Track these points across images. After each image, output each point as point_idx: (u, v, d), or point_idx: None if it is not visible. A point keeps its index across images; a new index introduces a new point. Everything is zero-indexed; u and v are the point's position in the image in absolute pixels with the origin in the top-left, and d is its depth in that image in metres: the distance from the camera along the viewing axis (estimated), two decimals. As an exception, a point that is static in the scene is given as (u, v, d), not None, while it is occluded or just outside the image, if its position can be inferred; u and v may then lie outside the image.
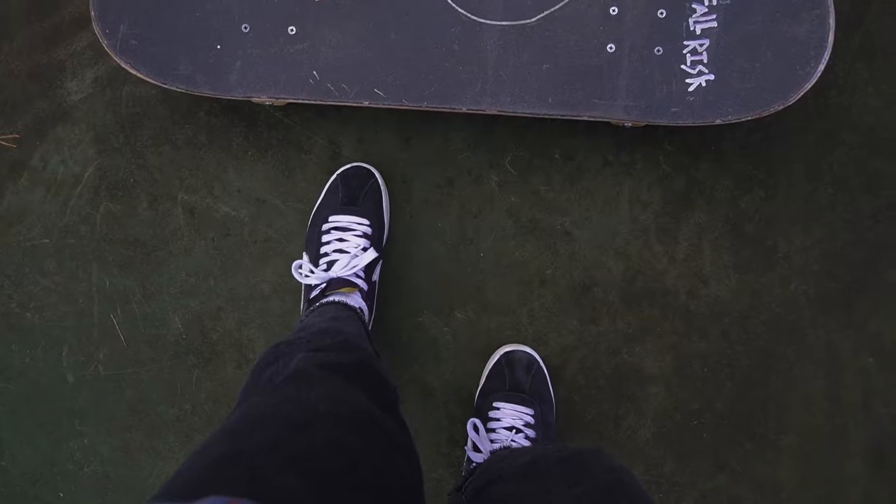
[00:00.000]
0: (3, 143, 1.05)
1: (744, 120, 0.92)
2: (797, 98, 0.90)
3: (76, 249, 1.06)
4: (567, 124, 1.04)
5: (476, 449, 0.94)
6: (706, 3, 0.91)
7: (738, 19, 0.91)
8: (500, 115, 1.04)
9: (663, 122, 0.93)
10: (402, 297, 1.05)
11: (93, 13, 0.93)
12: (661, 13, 0.92)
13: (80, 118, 1.05)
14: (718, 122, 0.93)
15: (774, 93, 0.91)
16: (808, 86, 0.90)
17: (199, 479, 0.50)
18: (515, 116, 1.04)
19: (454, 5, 0.93)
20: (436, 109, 0.94)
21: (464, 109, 0.94)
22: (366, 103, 0.94)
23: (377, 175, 1.02)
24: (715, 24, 0.91)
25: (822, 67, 0.89)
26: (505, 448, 0.92)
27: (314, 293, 0.94)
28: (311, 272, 0.94)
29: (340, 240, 0.96)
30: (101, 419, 1.07)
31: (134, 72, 0.94)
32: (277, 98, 0.95)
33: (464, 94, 0.94)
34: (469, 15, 0.93)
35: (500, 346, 1.03)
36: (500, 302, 1.04)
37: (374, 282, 0.99)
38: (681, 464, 1.04)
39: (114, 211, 1.06)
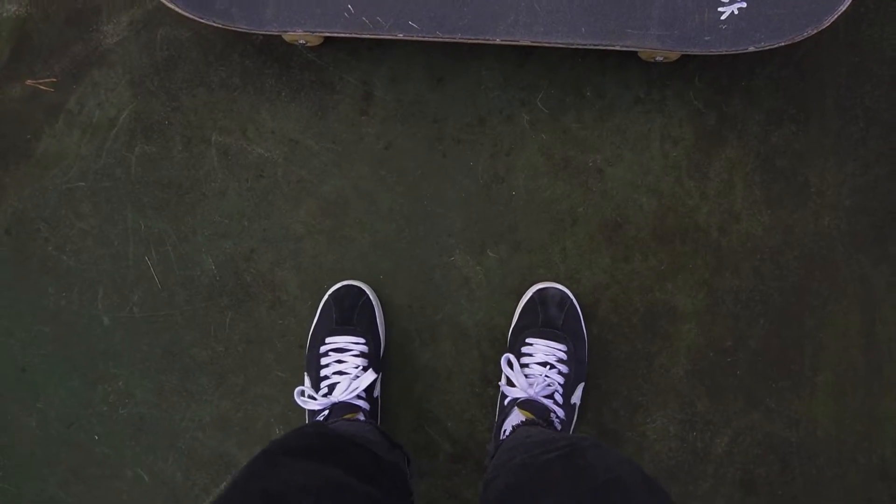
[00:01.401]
0: (41, 86, 1.07)
1: (777, 46, 0.92)
2: (831, 21, 0.91)
3: (111, 192, 1.08)
4: (598, 61, 1.04)
5: (510, 384, 0.95)
6: (738, -68, 0.92)
7: (770, -54, 0.91)
8: (532, 52, 1.04)
9: (696, 50, 0.94)
10: (435, 237, 1.05)
11: (132, -53, 0.94)
12: (693, -58, 0.93)
13: (116, 61, 1.07)
14: (752, 49, 0.93)
15: (807, 18, 0.91)
16: (842, 9, 0.90)
17: None
18: (547, 53, 1.04)
19: (487, -63, 0.94)
20: (470, 41, 0.95)
21: (497, 41, 0.95)
22: (400, 36, 0.95)
23: (368, 291, 1.03)
24: (747, -49, 0.92)
25: (855, -11, 0.90)
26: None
27: (318, 418, 0.94)
28: (313, 398, 0.95)
29: (339, 361, 0.97)
30: (135, 361, 1.08)
31: (172, 6, 0.95)
32: (313, 32, 0.96)
33: (497, 26, 0.95)
34: (502, -53, 0.94)
35: (533, 284, 1.03)
36: (532, 240, 1.05)
37: (376, 398, 1.00)
38: (714, 401, 1.04)
39: (148, 153, 1.07)
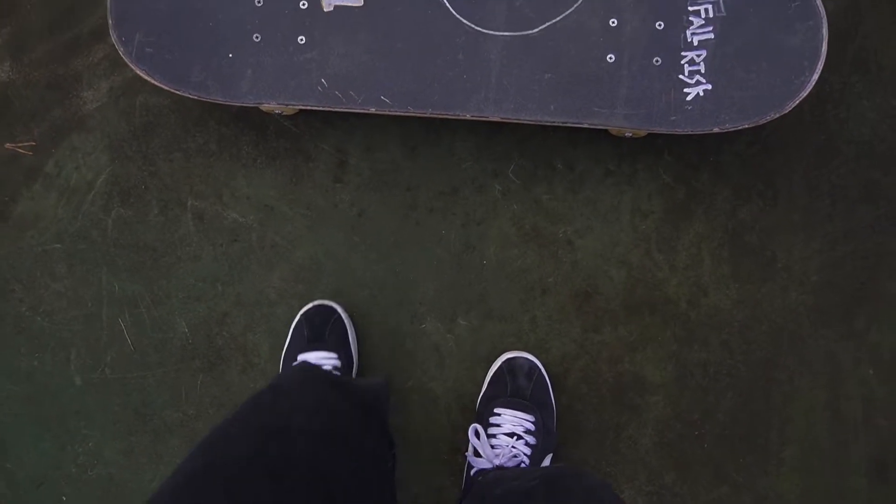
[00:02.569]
0: (20, 149, 1.08)
1: (741, 128, 0.94)
2: (792, 106, 0.92)
3: (87, 254, 1.09)
4: (569, 135, 1.06)
5: (477, 454, 0.95)
6: (703, 15, 0.94)
7: (734, 30, 0.94)
8: (503, 125, 1.06)
9: (662, 130, 0.96)
10: (406, 304, 1.06)
11: (110, 21, 0.96)
12: (660, 25, 0.95)
13: (95, 126, 1.08)
14: (716, 130, 0.95)
15: (770, 102, 0.93)
16: (803, 94, 0.92)
17: (178, 494, 0.54)
18: (518, 126, 1.06)
19: (459, 17, 0.96)
20: (440, 116, 0.97)
21: (468, 116, 0.97)
22: (372, 110, 0.97)
23: (339, 310, 1.04)
24: (712, 35, 0.94)
25: (816, 77, 0.92)
26: (499, 468, 0.93)
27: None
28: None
29: None
30: (106, 422, 1.08)
31: (149, 78, 0.97)
32: (287, 104, 0.97)
33: (468, 102, 0.97)
34: (473, 26, 0.96)
35: (503, 352, 1.04)
36: (502, 309, 1.06)
37: None
38: (682, 474, 1.04)
39: (125, 216, 1.08)
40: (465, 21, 0.96)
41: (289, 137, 1.07)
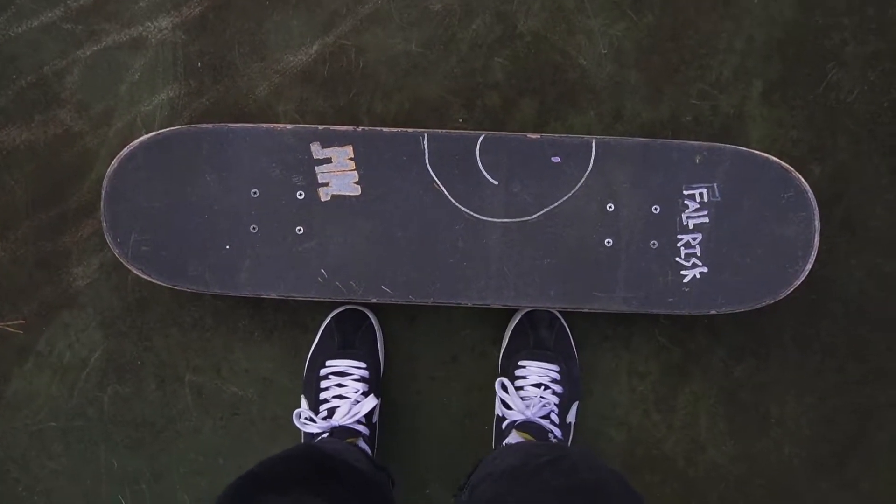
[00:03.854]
0: (9, 328, 1.06)
1: (737, 311, 0.96)
2: (787, 294, 0.95)
3: (84, 432, 1.07)
4: (566, 302, 1.07)
5: (507, 406, 0.96)
6: (698, 200, 0.96)
7: (729, 216, 0.95)
8: (502, 297, 1.07)
9: (661, 311, 0.97)
10: (410, 471, 1.07)
11: (104, 224, 0.95)
12: (656, 209, 0.96)
13: (87, 303, 1.06)
14: (713, 312, 0.97)
15: (765, 287, 0.96)
16: (797, 283, 0.94)
17: None
18: (516, 296, 1.07)
19: (458, 204, 0.96)
20: (441, 304, 0.97)
21: (469, 304, 0.97)
22: (374, 300, 0.97)
23: (371, 316, 1.04)
24: (707, 219, 0.96)
25: (809, 266, 0.94)
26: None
27: (316, 441, 0.95)
28: (312, 420, 0.95)
29: (339, 385, 0.97)
30: None
31: (146, 277, 0.95)
32: (287, 296, 0.97)
33: (469, 290, 0.97)
34: (472, 213, 0.97)
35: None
36: (505, 473, 1.07)
37: (375, 423, 1.01)
38: None
39: (121, 393, 1.07)
40: (463, 209, 0.96)
41: (285, 311, 1.07)
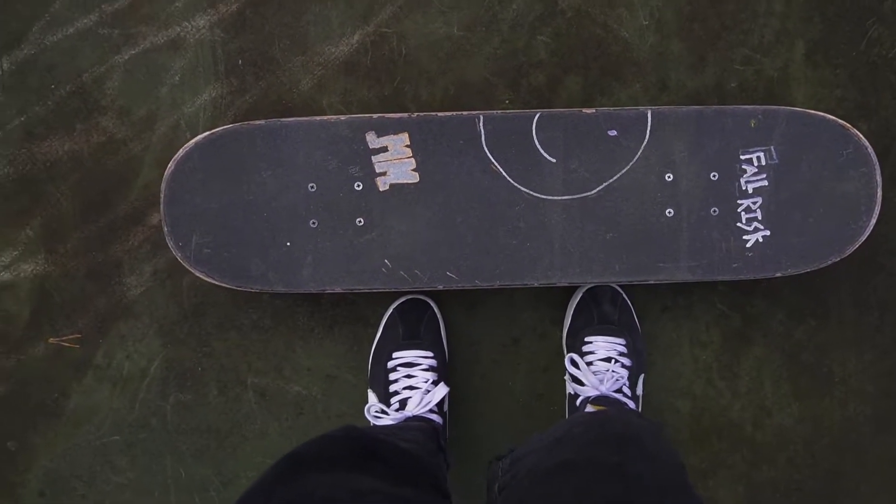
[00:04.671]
0: (65, 343, 1.05)
1: (802, 273, 0.96)
2: (853, 251, 0.95)
3: (148, 443, 1.06)
4: (625, 276, 1.07)
5: (579, 382, 0.96)
6: (755, 164, 0.96)
7: (788, 177, 0.96)
8: (562, 276, 1.06)
9: (726, 277, 0.97)
10: (478, 456, 1.06)
11: (165, 229, 0.93)
12: (714, 175, 0.96)
13: (142, 312, 1.05)
14: (778, 275, 0.97)
15: (830, 246, 0.96)
16: (862, 239, 0.95)
17: None
18: (575, 274, 1.06)
19: (517, 184, 0.96)
20: (508, 287, 0.97)
21: (536, 284, 0.97)
22: (440, 287, 0.96)
23: (433, 305, 1.03)
24: (766, 182, 0.96)
25: (874, 221, 0.95)
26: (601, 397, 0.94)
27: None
28: (385, 412, 0.94)
29: (409, 376, 0.97)
30: None
31: (209, 279, 0.94)
32: (352, 290, 0.96)
33: (534, 270, 0.97)
34: (532, 192, 0.96)
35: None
36: (575, 452, 1.07)
37: (446, 412, 1.00)
38: (763, 589, 1.07)
39: (184, 401, 1.06)
40: (522, 189, 0.96)
41: (344, 305, 1.06)
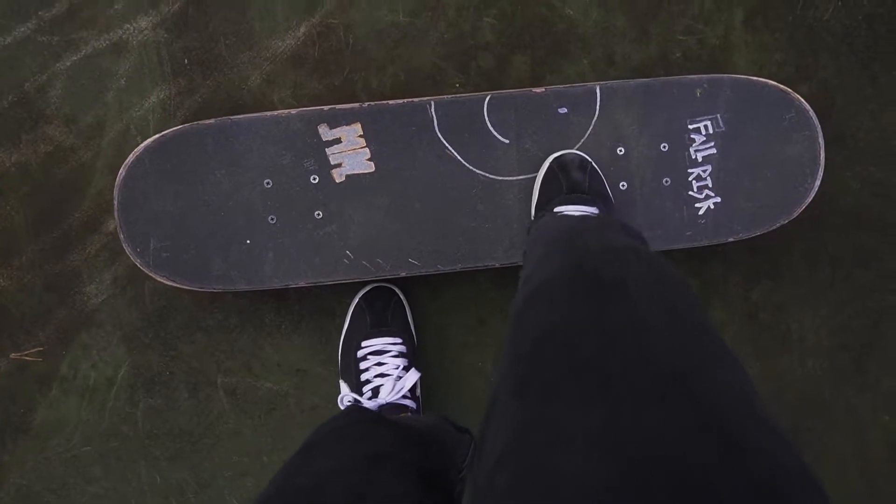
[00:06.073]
0: (27, 357, 1.03)
1: (754, 236, 0.99)
2: (800, 212, 0.98)
3: (121, 451, 1.05)
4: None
5: None
6: (703, 132, 0.98)
7: (735, 144, 0.98)
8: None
9: (681, 246, 1.00)
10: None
11: (121, 235, 0.92)
12: (664, 147, 0.98)
13: (105, 320, 1.04)
14: (731, 240, 0.99)
15: (779, 208, 0.99)
16: (808, 200, 0.98)
17: None
18: (536, 252, 1.08)
19: (472, 168, 0.97)
20: (470, 269, 0.98)
21: (497, 265, 0.98)
22: (403, 274, 0.97)
23: (398, 292, 1.04)
24: (714, 150, 0.98)
25: (818, 182, 0.97)
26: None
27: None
28: (358, 401, 0.94)
29: (379, 364, 0.97)
30: None
31: (171, 283, 0.94)
32: (315, 283, 0.96)
33: (495, 251, 0.98)
34: (488, 175, 0.97)
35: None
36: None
37: (418, 396, 1.01)
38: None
39: (154, 406, 1.05)
40: (478, 171, 0.97)
41: (310, 298, 1.06)
